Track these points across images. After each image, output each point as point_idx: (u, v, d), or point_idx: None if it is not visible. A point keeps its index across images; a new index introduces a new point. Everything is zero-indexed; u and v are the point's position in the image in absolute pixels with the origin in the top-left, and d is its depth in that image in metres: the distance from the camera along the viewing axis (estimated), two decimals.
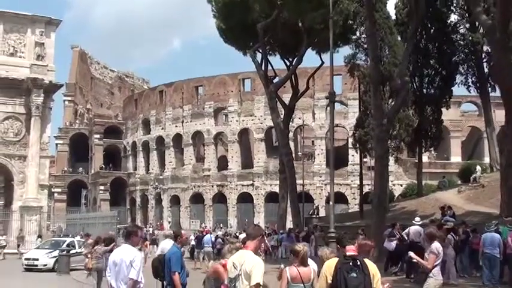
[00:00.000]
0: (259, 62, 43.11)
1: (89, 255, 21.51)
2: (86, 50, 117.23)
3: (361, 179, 44.51)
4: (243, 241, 9.09)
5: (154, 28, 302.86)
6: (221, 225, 72.30)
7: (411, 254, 12.42)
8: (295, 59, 42.90)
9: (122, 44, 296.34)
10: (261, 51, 43.71)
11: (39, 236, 44.33)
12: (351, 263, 7.34)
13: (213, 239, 32.71)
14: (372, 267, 7.41)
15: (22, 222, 48.20)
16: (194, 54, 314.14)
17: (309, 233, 34.87)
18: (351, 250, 7.62)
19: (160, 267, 10.72)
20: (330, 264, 7.49)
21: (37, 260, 31.72)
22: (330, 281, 7.36)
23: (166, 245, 19.29)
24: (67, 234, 46.19)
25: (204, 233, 33.05)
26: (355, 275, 7.24)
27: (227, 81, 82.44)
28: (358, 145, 44.68)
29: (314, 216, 53.94)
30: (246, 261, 7.50)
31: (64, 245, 32.74)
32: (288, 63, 44.94)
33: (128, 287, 9.04)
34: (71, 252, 30.74)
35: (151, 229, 71.35)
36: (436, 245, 11.74)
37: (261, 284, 7.43)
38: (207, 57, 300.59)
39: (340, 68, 71.86)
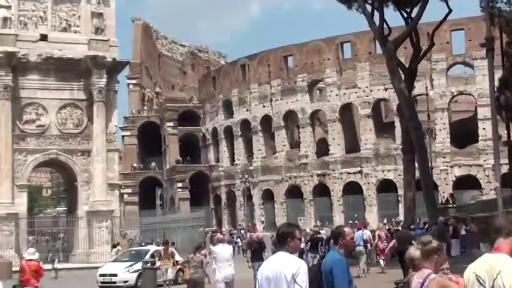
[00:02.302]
0: (371, 15, 40.61)
1: (186, 265, 21.42)
2: (150, 23, 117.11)
3: (510, 157, 41.22)
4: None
5: None
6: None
7: None
8: (417, 9, 40.25)
9: (189, 15, 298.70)
10: (370, 1, 41.27)
11: (115, 246, 43.12)
12: None
13: (366, 236, 30.88)
14: None
15: (90, 230, 47.43)
16: (277, 21, 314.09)
17: (456, 227, 32.26)
18: None
19: (317, 284, 8.55)
20: None
21: (115, 275, 30.84)
22: None
23: (220, 251, 17.81)
24: (149, 242, 45.07)
25: (357, 228, 31.23)
26: None
27: (322, 47, 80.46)
28: (504, 113, 41.43)
29: (450, 205, 51.11)
30: (504, 272, 5.42)
31: (148, 256, 31.07)
32: (405, 16, 42.37)
33: None
34: (157, 264, 28.96)
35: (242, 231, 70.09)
36: None
37: None
38: (293, 24, 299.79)
39: (462, 21, 69.58)
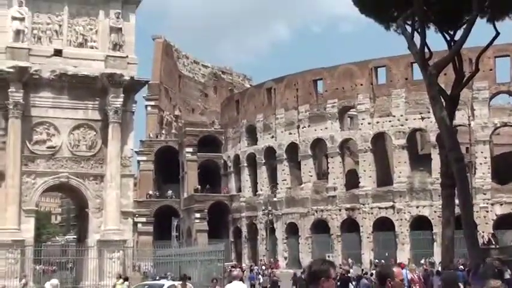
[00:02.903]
0: (411, 36, 40.05)
1: None
2: (171, 42, 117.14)
3: None
4: None
5: (253, 14, 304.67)
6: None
7: None
8: (462, 31, 39.59)
9: (213, 35, 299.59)
10: (410, 22, 40.80)
11: (125, 279, 42.42)
12: None
13: (410, 276, 30.12)
14: None
15: (100, 261, 46.82)
16: (305, 44, 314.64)
17: (501, 270, 31.40)
18: None
19: None
20: None
21: None
22: None
23: None
24: (164, 276, 44.44)
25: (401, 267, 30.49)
26: None
27: (354, 71, 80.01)
28: None
29: (492, 246, 50.13)
30: None
31: None
32: (448, 38, 41.73)
33: None
34: None
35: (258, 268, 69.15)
36: None
37: None
38: (322, 47, 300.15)
39: (507, 47, 68.79)
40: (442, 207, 44.27)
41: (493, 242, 53.22)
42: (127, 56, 50.41)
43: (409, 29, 40.74)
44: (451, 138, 38.79)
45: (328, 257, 71.30)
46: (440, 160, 44.75)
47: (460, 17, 40.34)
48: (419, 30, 40.10)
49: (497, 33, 41.07)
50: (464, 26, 39.74)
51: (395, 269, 8.34)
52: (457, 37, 40.81)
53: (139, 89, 54.58)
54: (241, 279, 34.25)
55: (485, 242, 52.18)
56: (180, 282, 28.67)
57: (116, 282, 40.63)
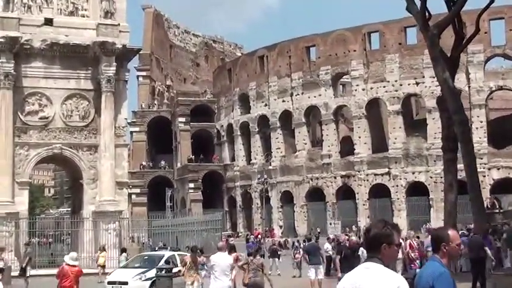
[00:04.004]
0: None
1: (245, 267, 21.32)
2: (162, 11, 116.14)
3: None
4: None
5: None
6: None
7: None
8: None
9: (202, 3, 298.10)
10: None
11: (123, 251, 41.66)
12: None
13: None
14: None
15: (96, 232, 45.87)
16: (296, 10, 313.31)
17: None
18: None
19: None
20: None
21: (125, 284, 29.27)
22: None
23: (218, 260, 18.01)
24: (163, 246, 43.84)
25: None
26: None
27: (347, 37, 79.44)
28: None
29: (496, 210, 49.49)
30: None
31: (162, 262, 29.98)
32: None
33: None
34: (174, 271, 27.72)
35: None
36: None
37: None
38: (314, 13, 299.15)
39: (501, 9, 67.86)
40: (443, 171, 43.58)
41: (497, 206, 52.62)
42: (119, 24, 49.14)
43: None
44: (455, 100, 37.89)
45: (330, 224, 70.96)
46: (441, 123, 43.96)
47: None
48: None
49: None
50: None
51: (450, 232, 7.29)
52: None
53: (132, 58, 53.50)
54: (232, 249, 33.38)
55: (489, 206, 51.59)
56: (190, 254, 27.45)
57: (99, 254, 40.09)
